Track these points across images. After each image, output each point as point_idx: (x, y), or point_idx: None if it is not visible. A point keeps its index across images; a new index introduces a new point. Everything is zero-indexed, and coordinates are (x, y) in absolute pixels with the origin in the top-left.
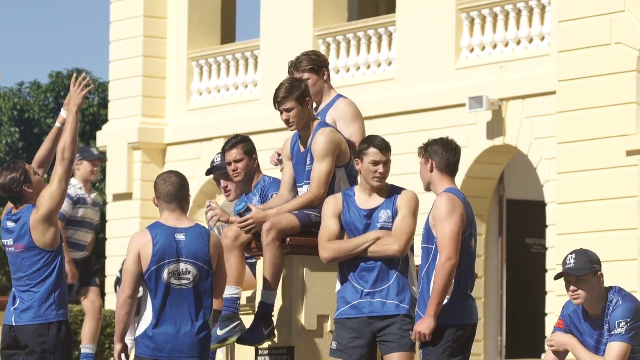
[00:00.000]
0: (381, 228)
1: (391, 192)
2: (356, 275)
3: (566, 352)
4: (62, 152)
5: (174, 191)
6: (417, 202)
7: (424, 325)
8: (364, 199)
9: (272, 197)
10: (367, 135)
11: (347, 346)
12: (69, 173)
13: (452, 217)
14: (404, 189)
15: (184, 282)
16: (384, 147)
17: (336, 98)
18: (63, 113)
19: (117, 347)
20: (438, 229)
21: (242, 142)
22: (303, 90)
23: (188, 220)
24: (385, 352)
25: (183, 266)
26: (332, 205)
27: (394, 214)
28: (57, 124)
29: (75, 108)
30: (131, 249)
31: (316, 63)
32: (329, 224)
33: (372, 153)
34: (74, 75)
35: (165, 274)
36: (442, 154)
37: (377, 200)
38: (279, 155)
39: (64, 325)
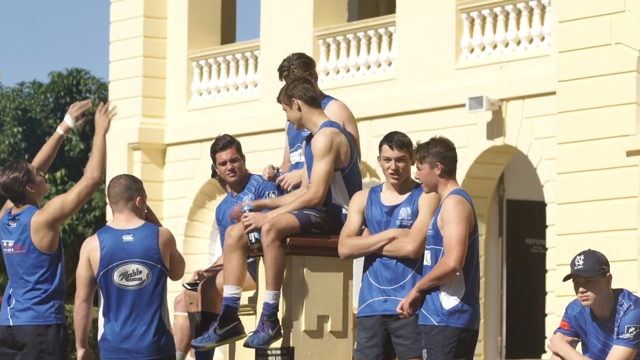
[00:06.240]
0: (400, 225)
1: (414, 190)
2: (372, 273)
3: None
4: (90, 171)
5: (119, 192)
6: (437, 202)
7: (407, 296)
8: (388, 195)
9: (268, 195)
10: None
11: (364, 346)
12: (91, 192)
13: (461, 221)
14: None
15: (135, 282)
16: (397, 144)
17: (327, 100)
18: (68, 121)
19: (79, 352)
20: (445, 229)
21: (235, 142)
22: (287, 90)
23: (138, 220)
24: (399, 356)
25: (133, 267)
26: (357, 200)
27: (414, 212)
28: (60, 131)
29: (102, 131)
30: (81, 254)
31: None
32: (351, 219)
33: (384, 149)
34: (100, 103)
35: (115, 277)
36: (448, 156)
37: (399, 197)
38: (273, 169)
39: (62, 329)
